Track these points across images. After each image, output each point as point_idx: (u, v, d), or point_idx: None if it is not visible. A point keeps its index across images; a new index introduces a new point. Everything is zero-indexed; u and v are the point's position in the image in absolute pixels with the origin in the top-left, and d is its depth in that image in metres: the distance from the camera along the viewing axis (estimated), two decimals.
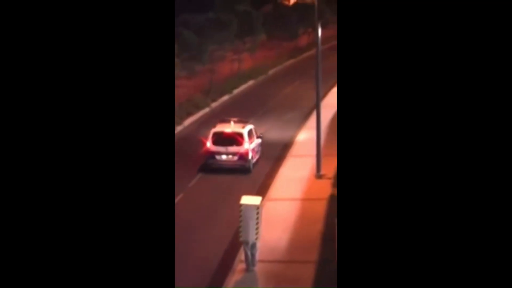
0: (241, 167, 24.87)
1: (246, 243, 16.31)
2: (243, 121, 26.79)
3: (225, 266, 17.26)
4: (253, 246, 16.43)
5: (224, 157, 24.95)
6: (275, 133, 30.85)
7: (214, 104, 36.72)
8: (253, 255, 16.50)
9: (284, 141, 29.45)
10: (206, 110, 35.44)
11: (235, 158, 24.90)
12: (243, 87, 42.07)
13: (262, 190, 23.04)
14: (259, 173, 25.17)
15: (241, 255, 17.37)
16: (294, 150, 27.96)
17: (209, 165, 24.98)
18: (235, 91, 40.56)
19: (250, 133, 25.71)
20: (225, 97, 38.75)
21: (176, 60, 29.38)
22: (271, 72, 48.36)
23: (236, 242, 18.13)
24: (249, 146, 25.10)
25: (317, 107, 24.94)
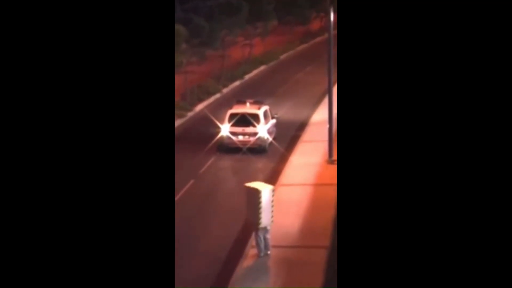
0: (258, 147, 25.56)
1: (263, 228, 16.36)
2: (258, 102, 27.40)
3: (237, 252, 17.27)
4: (268, 231, 16.52)
5: (240, 137, 25.64)
6: (287, 119, 30.74)
7: (225, 90, 36.63)
8: (267, 239, 16.56)
9: (295, 127, 29.36)
10: (217, 95, 35.34)
11: (252, 138, 25.58)
12: (254, 72, 41.96)
13: (274, 175, 22.99)
14: (272, 159, 25.16)
15: (253, 241, 17.37)
16: (306, 135, 27.86)
17: (226, 145, 25.68)
18: (247, 77, 40.46)
19: (265, 114, 26.39)
20: (237, 83, 38.66)
21: (187, 45, 29.23)
22: (282, 57, 48.22)
23: (247, 227, 18.10)
24: (265, 126, 25.80)
25: (329, 92, 24.80)
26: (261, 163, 25.06)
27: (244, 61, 42.13)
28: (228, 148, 25.75)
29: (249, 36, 42.24)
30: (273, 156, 25.43)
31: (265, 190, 16.39)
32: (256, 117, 25.94)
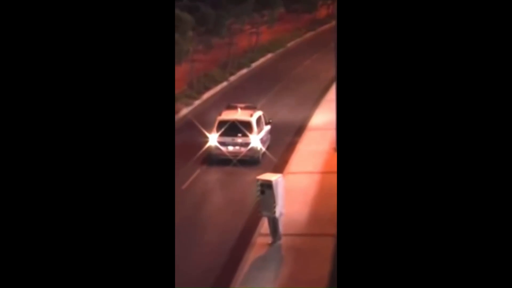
0: (249, 159, 22.83)
1: (277, 217, 16.54)
2: (251, 107, 24.69)
3: (245, 240, 17.27)
4: (279, 219, 16.71)
5: (230, 148, 22.93)
6: (294, 107, 30.66)
7: (232, 78, 36.54)
8: (278, 228, 16.75)
9: (303, 114, 29.24)
10: (224, 84, 35.26)
11: (243, 149, 22.86)
12: (261, 60, 41.84)
13: (281, 163, 22.92)
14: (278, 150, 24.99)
15: (261, 229, 17.41)
16: (313, 123, 27.76)
17: (215, 157, 23.01)
18: (253, 65, 40.34)
19: (258, 121, 23.71)
20: (243, 71, 38.55)
21: (193, 33, 29.12)
22: (289, 45, 48.05)
23: (256, 216, 18.10)
24: (258, 136, 23.19)
25: (336, 79, 24.68)
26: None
27: (251, 49, 41.99)
28: (216, 159, 22.95)
29: (256, 24, 42.08)
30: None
31: (277, 179, 16.67)
32: (248, 125, 23.05)
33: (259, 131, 23.46)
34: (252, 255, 16.27)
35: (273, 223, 16.77)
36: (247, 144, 22.90)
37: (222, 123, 23.14)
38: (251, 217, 18.61)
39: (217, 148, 22.92)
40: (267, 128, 24.37)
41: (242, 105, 24.60)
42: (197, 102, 31.39)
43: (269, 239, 16.82)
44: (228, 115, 23.70)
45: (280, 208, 16.64)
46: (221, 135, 22.89)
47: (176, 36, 27.34)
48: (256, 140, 23.01)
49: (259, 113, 24.15)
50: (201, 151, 23.27)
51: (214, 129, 23.11)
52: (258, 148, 23.11)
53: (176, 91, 31.23)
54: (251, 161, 22.85)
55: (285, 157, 23.73)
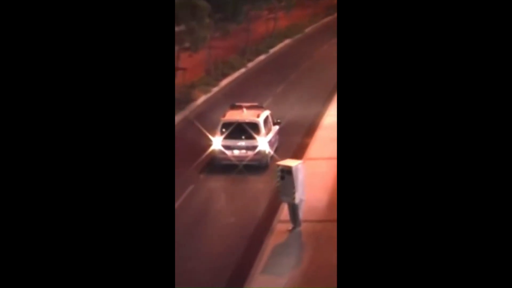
0: (257, 164, 21.01)
1: (294, 203, 16.53)
2: (257, 107, 22.70)
3: (264, 226, 17.28)
4: (299, 206, 16.71)
5: (236, 152, 21.04)
6: (313, 92, 30.56)
7: (250, 64, 36.49)
8: (298, 215, 16.75)
9: (322, 100, 29.13)
10: (242, 70, 35.21)
11: (249, 153, 20.94)
12: (279, 46, 41.71)
13: (300, 149, 22.87)
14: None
15: (280, 216, 17.42)
16: (332, 108, 27.64)
17: (219, 162, 21.15)
18: (271, 51, 40.23)
19: (266, 121, 21.73)
20: (261, 57, 38.47)
21: (210, 20, 29.06)
22: (307, 30, 47.88)
23: (275, 203, 18.11)
24: (266, 138, 21.25)
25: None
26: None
27: (269, 35, 41.87)
28: (220, 164, 21.14)
29: (274, 10, 41.96)
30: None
31: (297, 165, 16.65)
32: (255, 126, 21.09)
33: (267, 132, 21.54)
34: (272, 241, 16.29)
35: (293, 209, 16.77)
36: (254, 147, 20.94)
37: (226, 125, 21.21)
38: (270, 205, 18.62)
39: (221, 152, 20.99)
40: (275, 129, 22.53)
41: (248, 105, 22.58)
42: (215, 89, 31.39)
43: (289, 226, 16.83)
44: (233, 115, 21.66)
45: (300, 195, 16.61)
46: (225, 137, 20.99)
47: (193, 23, 27.34)
48: (264, 142, 21.07)
49: (266, 113, 22.24)
50: (204, 155, 21.53)
51: (218, 131, 21.20)
52: (266, 152, 21.15)
53: (194, 78, 31.29)
54: (259, 166, 21.03)
55: (305, 143, 23.70)
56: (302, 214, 16.86)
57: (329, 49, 40.47)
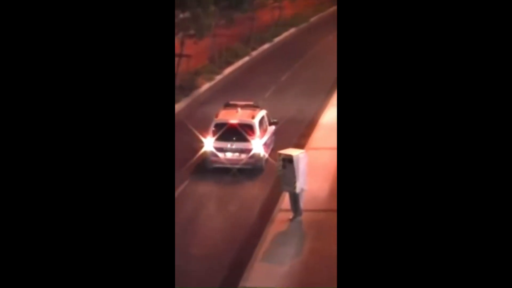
0: (251, 167, 19.80)
1: (298, 193, 16.53)
2: (253, 106, 21.28)
3: (265, 217, 17.27)
4: (300, 195, 16.70)
5: (229, 154, 19.81)
6: (317, 81, 30.50)
7: (254, 53, 36.40)
8: (299, 204, 16.74)
9: (326, 89, 29.07)
10: (246, 58, 35.13)
11: (243, 156, 19.72)
12: (284, 35, 41.59)
13: (302, 139, 22.84)
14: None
15: (281, 205, 17.42)
16: (335, 98, 27.58)
17: (210, 165, 19.87)
18: (276, 39, 40.12)
19: (261, 122, 20.43)
20: (266, 45, 38.37)
21: (215, 8, 28.97)
22: (312, 19, 47.70)
23: (276, 192, 18.10)
24: (261, 140, 19.97)
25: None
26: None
27: (274, 24, 41.75)
28: (212, 168, 19.87)
29: None
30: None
31: (299, 154, 16.61)
32: (249, 128, 19.83)
33: (263, 134, 20.21)
34: (273, 230, 16.30)
35: (294, 198, 16.76)
36: (248, 150, 19.67)
37: (219, 126, 19.89)
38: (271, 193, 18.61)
39: (213, 154, 19.71)
40: (271, 129, 21.14)
41: (243, 104, 21.31)
42: (218, 77, 31.33)
43: (290, 215, 16.83)
44: (226, 116, 20.33)
45: (301, 184, 16.58)
46: (218, 139, 19.73)
47: (198, 10, 27.23)
48: (259, 145, 19.80)
49: (262, 113, 20.89)
50: (194, 158, 20.28)
51: (210, 132, 19.91)
52: (261, 155, 19.85)
53: (198, 65, 31.24)
54: (253, 169, 19.85)
55: (307, 132, 23.66)
56: (303, 203, 16.85)
57: (334, 39, 40.38)
